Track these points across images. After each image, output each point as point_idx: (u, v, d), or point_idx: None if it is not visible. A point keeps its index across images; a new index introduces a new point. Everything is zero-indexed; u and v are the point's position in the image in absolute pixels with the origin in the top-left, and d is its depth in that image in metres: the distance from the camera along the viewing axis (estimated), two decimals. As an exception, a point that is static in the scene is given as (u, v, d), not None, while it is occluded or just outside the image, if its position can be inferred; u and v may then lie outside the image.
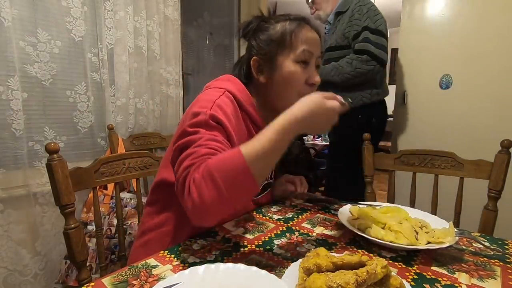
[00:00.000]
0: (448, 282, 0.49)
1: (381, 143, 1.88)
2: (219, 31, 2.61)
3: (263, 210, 0.82)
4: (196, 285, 0.44)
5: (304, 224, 0.73)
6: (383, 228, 0.62)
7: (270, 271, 0.47)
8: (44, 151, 0.99)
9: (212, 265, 0.48)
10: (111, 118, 1.57)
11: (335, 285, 0.38)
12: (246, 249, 0.60)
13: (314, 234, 0.68)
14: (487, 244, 0.63)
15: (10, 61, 1.21)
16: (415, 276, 0.51)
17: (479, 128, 1.72)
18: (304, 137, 3.34)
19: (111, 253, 1.29)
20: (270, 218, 0.77)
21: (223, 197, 0.46)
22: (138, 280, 0.48)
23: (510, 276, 0.51)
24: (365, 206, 0.76)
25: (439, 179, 1.05)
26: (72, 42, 1.43)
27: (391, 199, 1.13)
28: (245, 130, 0.72)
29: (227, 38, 2.65)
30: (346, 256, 0.44)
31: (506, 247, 0.62)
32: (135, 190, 1.06)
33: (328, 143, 2.56)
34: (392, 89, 1.78)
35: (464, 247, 0.62)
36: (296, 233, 0.68)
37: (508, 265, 0.55)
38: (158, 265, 0.53)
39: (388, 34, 1.51)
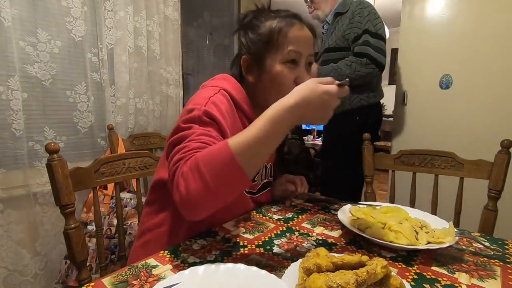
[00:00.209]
0: (448, 282, 0.49)
1: (381, 143, 1.88)
2: (219, 31, 2.61)
3: (263, 210, 0.82)
4: (196, 285, 0.44)
5: (304, 224, 0.73)
6: (383, 228, 0.62)
7: (270, 271, 0.47)
8: (44, 151, 1.00)
9: (212, 265, 0.48)
10: (111, 118, 1.58)
11: (335, 285, 0.38)
12: (246, 249, 0.60)
13: (314, 234, 0.67)
14: (487, 244, 0.63)
15: (10, 61, 1.21)
16: (415, 276, 0.51)
17: (479, 128, 1.72)
18: (304, 137, 3.35)
19: (111, 253, 1.29)
20: (270, 218, 0.77)
21: (210, 189, 0.46)
22: (138, 280, 0.48)
23: (510, 276, 0.51)
24: (365, 206, 0.76)
25: (439, 179, 1.05)
26: (72, 42, 1.43)
27: (391, 199, 1.13)
28: (241, 128, 0.71)
29: (227, 38, 2.65)
30: (346, 256, 0.44)
31: (506, 247, 0.62)
32: (135, 190, 1.07)
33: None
34: (392, 89, 1.78)
35: (464, 247, 0.62)
36: (296, 233, 0.67)
37: (508, 265, 0.55)
38: (158, 265, 0.53)
39: (387, 36, 1.51)
